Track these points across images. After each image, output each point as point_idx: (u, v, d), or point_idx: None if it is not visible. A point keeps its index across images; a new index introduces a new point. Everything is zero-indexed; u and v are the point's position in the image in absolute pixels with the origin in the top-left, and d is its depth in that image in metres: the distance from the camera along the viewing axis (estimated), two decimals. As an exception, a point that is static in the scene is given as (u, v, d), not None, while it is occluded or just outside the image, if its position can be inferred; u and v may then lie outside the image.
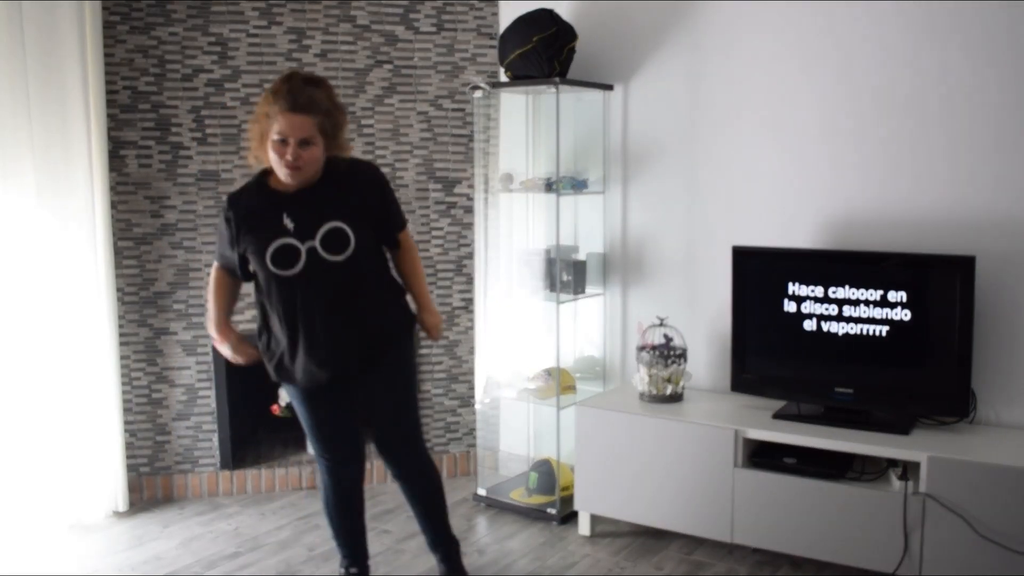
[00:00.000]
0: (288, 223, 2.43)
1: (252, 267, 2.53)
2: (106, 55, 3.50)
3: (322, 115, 2.38)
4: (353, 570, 2.82)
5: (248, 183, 2.56)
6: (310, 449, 2.77)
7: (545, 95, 3.65)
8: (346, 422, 2.69)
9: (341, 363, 2.54)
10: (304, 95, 2.35)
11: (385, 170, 3.79)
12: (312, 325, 2.48)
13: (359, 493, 2.79)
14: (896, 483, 2.77)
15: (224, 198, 2.56)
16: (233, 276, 2.60)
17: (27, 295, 3.31)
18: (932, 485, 2.66)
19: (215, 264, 2.64)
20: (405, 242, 2.70)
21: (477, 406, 3.91)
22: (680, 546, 3.20)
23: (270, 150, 2.38)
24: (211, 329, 2.66)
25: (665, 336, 3.29)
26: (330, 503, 2.76)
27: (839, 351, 3.00)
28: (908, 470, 2.77)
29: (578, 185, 3.57)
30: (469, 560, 3.13)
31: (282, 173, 2.40)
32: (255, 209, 2.48)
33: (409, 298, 2.73)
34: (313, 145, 2.38)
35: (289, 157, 2.35)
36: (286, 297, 2.47)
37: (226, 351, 2.64)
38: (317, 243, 2.43)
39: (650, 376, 3.27)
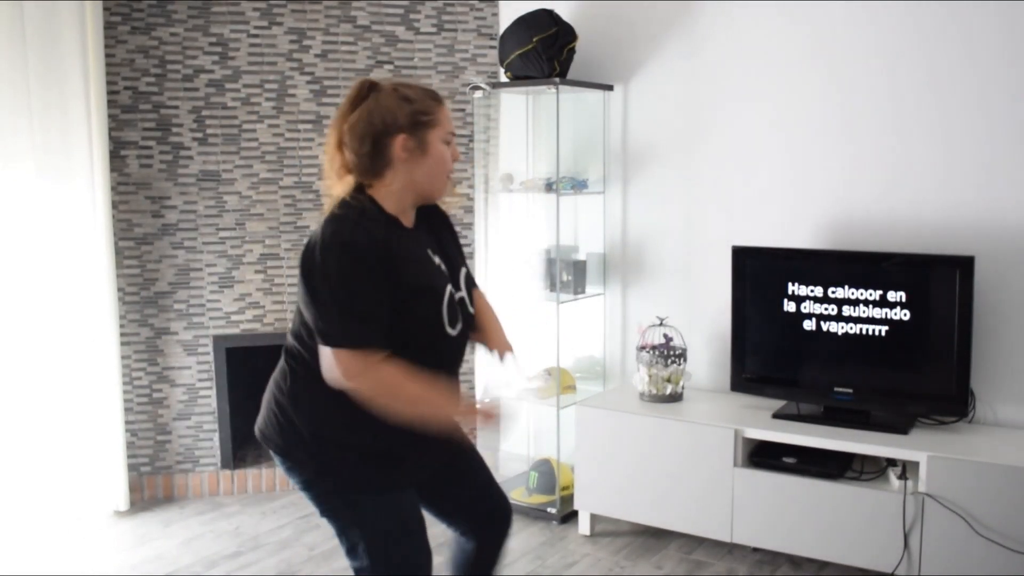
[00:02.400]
0: (441, 264, 1.91)
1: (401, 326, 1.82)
2: (107, 55, 3.51)
3: None
4: None
5: (359, 213, 1.79)
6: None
7: (545, 95, 3.65)
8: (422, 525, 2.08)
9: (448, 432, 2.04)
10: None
11: (385, 170, 3.80)
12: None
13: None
14: (895, 483, 2.78)
15: (344, 239, 1.72)
16: (381, 351, 1.77)
17: (29, 295, 3.31)
18: (931, 484, 2.67)
19: (359, 353, 1.73)
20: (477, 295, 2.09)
21: (477, 406, 3.91)
22: (680, 545, 3.20)
23: (434, 152, 1.84)
24: (435, 410, 1.88)
25: (665, 336, 3.30)
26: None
27: (839, 351, 3.01)
28: (907, 470, 2.78)
29: (578, 185, 3.57)
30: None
31: (443, 183, 1.90)
32: (402, 247, 1.81)
33: None
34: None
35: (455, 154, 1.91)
36: (435, 363, 1.88)
37: (483, 421, 2.05)
38: (464, 292, 1.95)
39: (650, 376, 3.27)
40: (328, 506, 1.91)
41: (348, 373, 1.74)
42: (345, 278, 1.72)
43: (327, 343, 1.74)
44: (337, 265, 1.71)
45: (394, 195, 1.85)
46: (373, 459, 1.88)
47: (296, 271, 1.81)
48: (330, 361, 1.75)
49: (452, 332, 1.89)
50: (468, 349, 2.02)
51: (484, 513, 2.24)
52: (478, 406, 2.05)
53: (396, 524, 1.94)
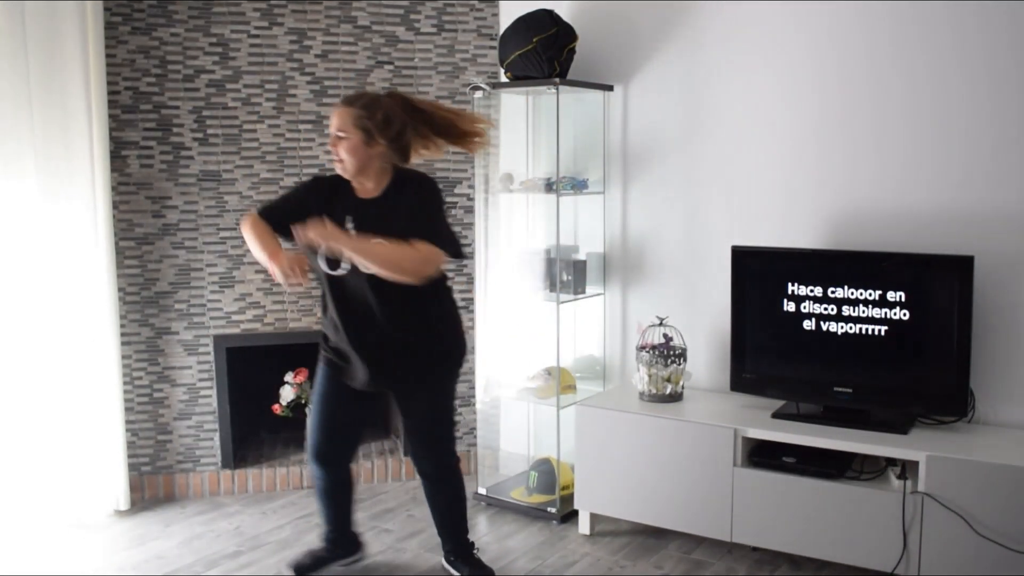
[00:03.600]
0: (348, 225, 2.58)
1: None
2: (108, 56, 3.51)
3: (361, 109, 2.55)
4: (332, 535, 3.00)
5: (330, 175, 2.71)
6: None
7: (545, 95, 3.66)
8: (357, 430, 2.91)
9: (390, 376, 2.71)
10: (352, 95, 2.63)
11: (386, 170, 3.80)
12: (361, 332, 2.64)
13: (340, 482, 2.95)
14: (895, 482, 2.78)
15: (311, 176, 2.78)
16: (265, 224, 2.61)
17: (29, 295, 3.32)
18: (931, 484, 2.67)
19: (252, 214, 2.65)
20: (419, 245, 2.52)
21: (477, 406, 3.92)
22: (679, 545, 3.21)
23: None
24: (261, 256, 2.54)
25: (665, 336, 3.30)
26: (319, 492, 2.95)
27: (838, 351, 3.01)
28: (907, 469, 2.78)
29: (578, 185, 3.58)
30: (469, 559, 3.14)
31: (338, 169, 2.63)
32: (330, 200, 2.62)
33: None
34: (345, 139, 2.56)
35: (336, 149, 2.59)
36: (337, 296, 2.63)
37: (277, 271, 2.49)
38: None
39: (650, 376, 3.28)
40: None
41: (244, 222, 2.64)
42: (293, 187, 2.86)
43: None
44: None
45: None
46: (330, 351, 2.75)
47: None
48: None
49: (332, 272, 2.58)
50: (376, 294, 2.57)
51: (412, 457, 2.93)
52: (272, 260, 2.52)
53: (316, 396, 2.82)
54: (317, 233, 2.42)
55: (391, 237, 2.50)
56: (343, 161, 2.59)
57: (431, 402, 2.80)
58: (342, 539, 3.02)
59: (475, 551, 2.99)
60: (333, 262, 2.56)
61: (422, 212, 2.60)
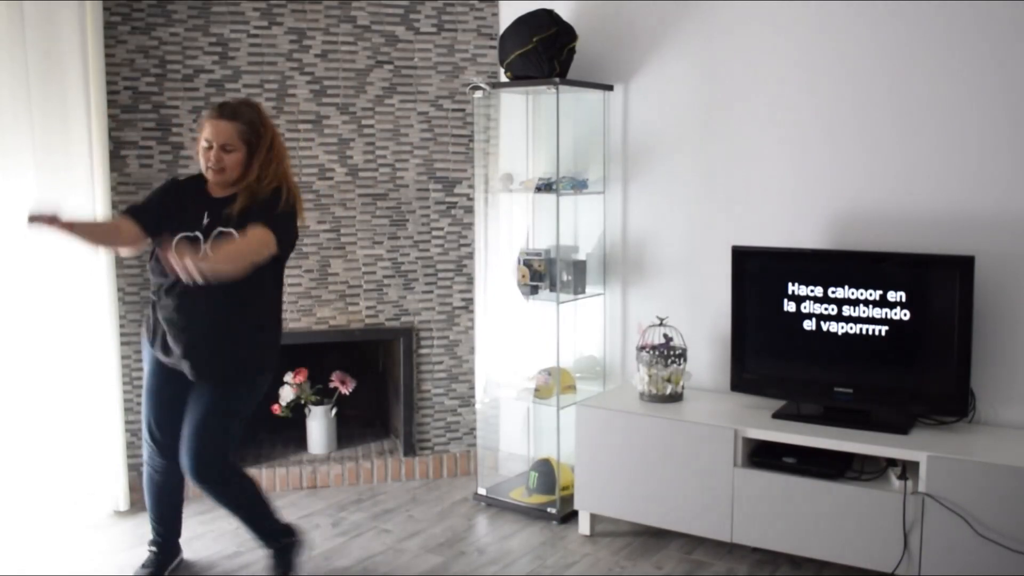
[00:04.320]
0: (206, 220, 2.72)
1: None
2: (107, 55, 3.51)
3: (245, 125, 2.68)
4: (158, 540, 3.02)
5: (193, 176, 2.87)
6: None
7: (545, 95, 3.65)
8: (177, 416, 2.82)
9: (192, 360, 2.74)
10: (229, 108, 2.70)
11: (385, 170, 3.81)
12: (185, 315, 2.71)
13: (178, 483, 2.98)
14: (895, 482, 2.78)
15: (168, 178, 2.93)
16: (135, 226, 2.72)
17: (28, 295, 3.31)
18: (931, 484, 2.67)
19: (121, 214, 2.85)
20: (251, 231, 2.65)
21: (477, 406, 3.92)
22: (680, 545, 3.20)
23: (198, 154, 2.72)
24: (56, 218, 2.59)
25: (665, 336, 3.30)
26: (147, 486, 2.97)
27: (839, 351, 3.01)
28: (907, 469, 2.78)
29: (578, 185, 3.57)
30: (469, 559, 3.14)
31: (208, 175, 2.73)
32: (184, 200, 2.77)
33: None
34: (234, 151, 2.68)
35: (212, 159, 2.68)
36: (173, 282, 2.64)
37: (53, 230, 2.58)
38: (208, 243, 2.67)
39: (650, 376, 3.27)
40: None
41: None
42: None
43: None
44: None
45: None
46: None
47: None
48: None
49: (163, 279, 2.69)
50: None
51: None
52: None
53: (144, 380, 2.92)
54: (176, 262, 2.38)
55: (226, 229, 2.68)
56: (224, 171, 2.69)
57: (209, 395, 2.78)
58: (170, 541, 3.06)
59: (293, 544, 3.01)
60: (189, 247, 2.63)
61: (270, 207, 2.72)
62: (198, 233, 2.70)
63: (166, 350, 2.77)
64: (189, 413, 2.79)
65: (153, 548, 3.02)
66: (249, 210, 2.69)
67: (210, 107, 2.81)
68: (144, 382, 2.90)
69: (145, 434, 2.91)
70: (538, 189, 3.53)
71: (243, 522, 2.93)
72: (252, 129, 2.70)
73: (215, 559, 3.17)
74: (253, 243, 2.60)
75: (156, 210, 2.77)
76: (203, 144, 2.69)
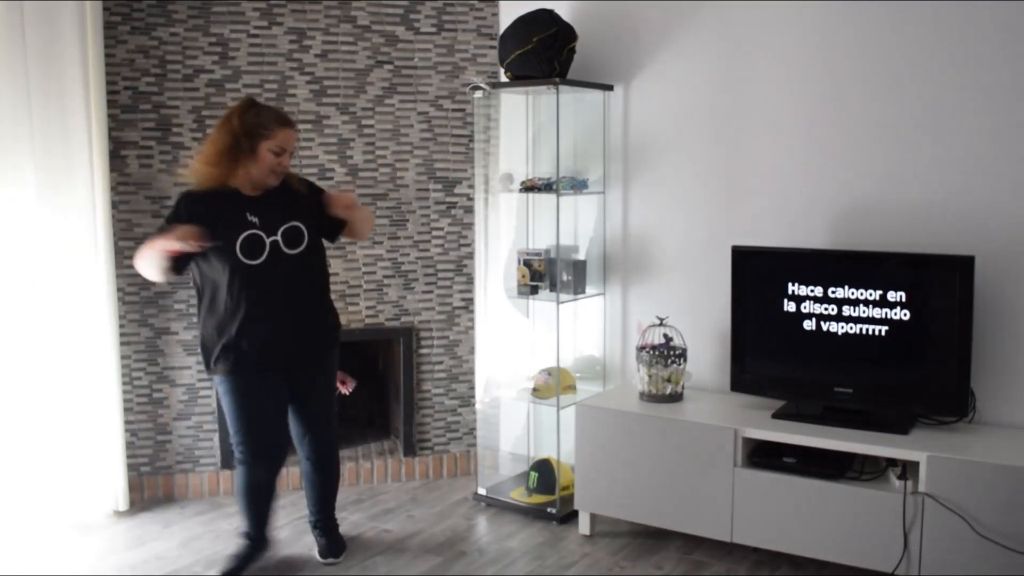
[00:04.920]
0: (252, 219, 2.84)
1: (205, 260, 2.83)
2: (107, 55, 3.51)
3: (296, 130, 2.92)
4: (251, 534, 3.07)
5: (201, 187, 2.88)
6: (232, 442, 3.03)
7: (545, 95, 3.65)
8: (277, 414, 3.00)
9: (299, 351, 2.96)
10: (285, 115, 2.89)
11: (385, 170, 3.81)
12: (276, 309, 2.87)
13: (274, 481, 3.07)
14: (895, 483, 2.78)
15: (181, 195, 2.89)
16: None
17: (28, 295, 3.31)
18: (931, 485, 2.66)
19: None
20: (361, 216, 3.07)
21: (477, 406, 3.92)
22: (680, 546, 3.20)
23: (261, 159, 2.80)
24: (157, 255, 2.73)
25: (665, 336, 3.30)
26: (248, 492, 3.01)
27: (839, 351, 3.00)
28: (907, 470, 2.78)
29: (578, 185, 3.57)
30: (469, 560, 3.14)
31: (271, 178, 2.85)
32: (218, 206, 2.82)
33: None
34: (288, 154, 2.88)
35: (285, 164, 2.85)
36: (250, 284, 2.82)
37: (173, 243, 2.68)
38: (279, 237, 2.86)
39: (650, 376, 3.27)
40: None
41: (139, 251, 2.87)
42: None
43: None
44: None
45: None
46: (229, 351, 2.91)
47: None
48: None
49: (252, 261, 2.81)
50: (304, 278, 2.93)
51: (296, 436, 3.12)
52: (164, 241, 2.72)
53: (236, 399, 2.92)
54: (349, 202, 2.90)
55: (293, 223, 2.87)
56: (283, 175, 2.89)
57: (326, 384, 3.10)
58: (263, 537, 3.11)
59: (338, 525, 3.27)
60: (254, 252, 2.81)
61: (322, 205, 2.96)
62: (258, 232, 2.82)
63: (265, 356, 2.88)
64: (301, 402, 3.03)
65: (245, 541, 3.07)
66: (299, 200, 2.92)
67: (275, 115, 2.83)
68: (235, 406, 2.90)
69: (248, 452, 2.95)
70: (537, 189, 3.53)
71: (332, 491, 3.21)
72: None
73: (215, 559, 3.17)
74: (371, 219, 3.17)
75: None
76: (273, 151, 2.80)
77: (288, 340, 2.92)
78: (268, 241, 2.83)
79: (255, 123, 2.78)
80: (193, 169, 2.85)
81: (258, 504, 3.03)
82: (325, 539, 3.19)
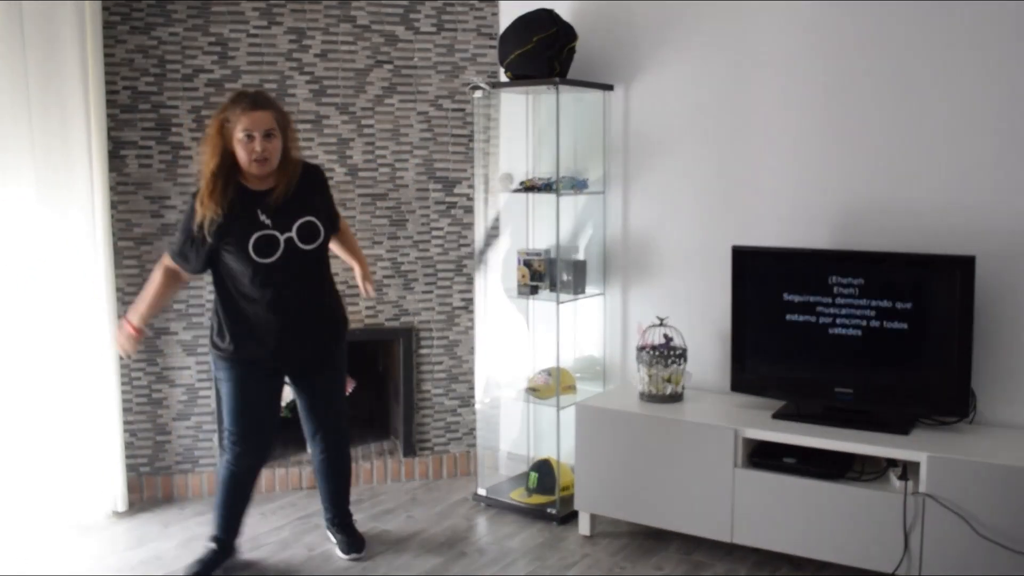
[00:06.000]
0: (264, 219, 2.81)
1: (220, 259, 2.85)
2: (106, 55, 3.51)
3: (276, 111, 2.79)
4: (221, 537, 3.05)
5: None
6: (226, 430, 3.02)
7: (545, 95, 3.65)
8: (271, 411, 3.04)
9: (312, 346, 2.98)
10: (260, 97, 2.79)
11: (385, 170, 3.81)
12: (292, 305, 2.88)
13: (254, 480, 3.08)
14: (896, 483, 2.77)
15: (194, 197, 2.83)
16: (184, 271, 2.91)
17: (27, 295, 3.31)
18: (932, 485, 2.66)
19: (166, 258, 2.93)
20: (344, 225, 3.19)
21: (477, 406, 3.92)
22: (680, 546, 3.20)
23: (240, 152, 2.74)
24: (131, 315, 2.93)
25: (665, 336, 3.29)
26: (227, 484, 3.01)
27: (839, 351, 3.00)
28: (908, 470, 2.77)
29: (578, 185, 3.57)
30: (469, 560, 3.14)
31: (255, 168, 2.77)
32: (230, 208, 2.78)
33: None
34: (275, 137, 2.77)
35: (257, 148, 2.73)
36: (265, 282, 2.82)
37: (123, 340, 2.94)
38: (294, 234, 2.85)
39: (650, 376, 3.27)
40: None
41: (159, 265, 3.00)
42: None
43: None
44: None
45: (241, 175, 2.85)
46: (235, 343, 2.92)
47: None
48: None
49: (265, 260, 2.80)
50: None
51: (309, 432, 3.15)
52: (132, 330, 2.92)
53: (233, 388, 2.94)
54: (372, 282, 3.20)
55: (307, 217, 2.87)
56: (268, 160, 2.77)
57: (337, 378, 3.13)
58: (230, 544, 3.09)
59: (353, 520, 3.27)
60: (268, 251, 2.80)
61: (330, 199, 3.05)
62: (271, 232, 2.81)
63: (281, 354, 2.91)
64: (310, 398, 3.07)
65: (213, 545, 3.04)
66: (304, 192, 2.88)
67: (236, 102, 2.74)
68: (233, 394, 2.93)
69: (237, 439, 2.95)
70: (537, 189, 3.53)
71: (345, 486, 3.22)
72: (281, 114, 2.82)
73: (214, 559, 3.16)
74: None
75: (199, 243, 2.81)
76: (241, 137, 2.72)
77: (303, 335, 2.93)
78: (282, 239, 2.83)
79: (222, 118, 2.76)
80: (202, 204, 2.77)
81: (234, 500, 3.02)
82: (344, 535, 3.19)
